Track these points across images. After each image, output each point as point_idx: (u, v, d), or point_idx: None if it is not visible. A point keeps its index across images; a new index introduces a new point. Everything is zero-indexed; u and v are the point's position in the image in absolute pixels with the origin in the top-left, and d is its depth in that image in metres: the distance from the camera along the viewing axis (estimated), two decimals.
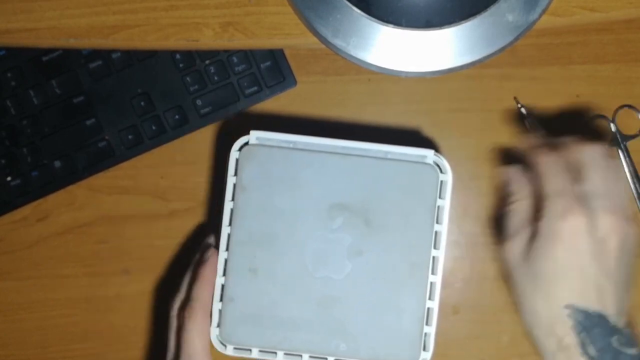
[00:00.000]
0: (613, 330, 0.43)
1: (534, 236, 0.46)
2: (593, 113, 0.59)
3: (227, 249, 0.50)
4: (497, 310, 0.60)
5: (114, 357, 0.61)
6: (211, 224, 0.60)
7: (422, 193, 0.49)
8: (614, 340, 0.43)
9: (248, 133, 0.50)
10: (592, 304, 0.44)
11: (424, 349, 0.49)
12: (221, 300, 0.50)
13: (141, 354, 0.60)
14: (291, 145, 0.50)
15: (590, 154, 0.47)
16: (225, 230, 0.50)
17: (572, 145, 0.48)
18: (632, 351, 0.43)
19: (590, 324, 0.43)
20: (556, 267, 0.45)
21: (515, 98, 0.56)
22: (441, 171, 0.49)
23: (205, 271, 0.49)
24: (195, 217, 0.60)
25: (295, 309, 0.49)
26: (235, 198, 0.50)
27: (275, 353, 0.49)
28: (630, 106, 0.59)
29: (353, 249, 0.49)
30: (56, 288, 0.61)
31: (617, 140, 0.59)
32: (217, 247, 0.51)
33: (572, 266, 0.44)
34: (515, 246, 0.47)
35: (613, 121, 0.59)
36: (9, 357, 0.60)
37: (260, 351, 0.49)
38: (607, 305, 0.44)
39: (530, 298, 0.46)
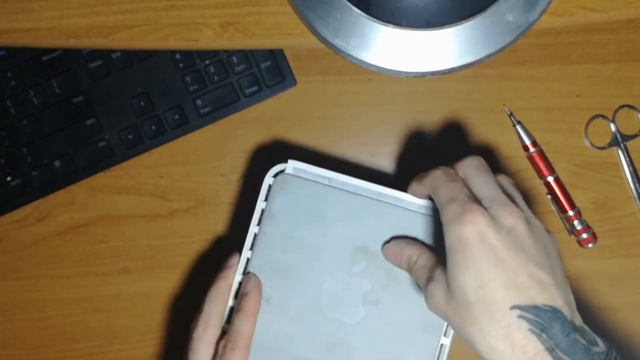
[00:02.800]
0: (573, 326, 0.40)
1: (443, 272, 0.43)
2: (593, 113, 0.60)
3: (243, 273, 0.50)
4: None
5: (114, 356, 0.61)
6: (211, 226, 0.60)
7: None
8: (579, 337, 0.40)
9: (285, 161, 0.51)
10: (535, 296, 0.40)
11: None
12: (228, 322, 0.49)
13: (142, 354, 0.60)
14: (326, 182, 0.50)
15: (468, 164, 0.46)
16: (245, 254, 0.50)
17: (454, 166, 0.47)
18: (599, 349, 0.40)
19: (546, 320, 0.39)
20: (479, 274, 0.40)
21: (505, 107, 0.56)
22: None
23: (250, 304, 0.49)
24: (195, 217, 0.60)
25: (302, 346, 0.49)
26: (262, 224, 0.50)
27: None
28: (630, 106, 0.59)
29: (370, 296, 0.49)
30: (56, 288, 0.61)
31: (617, 140, 0.59)
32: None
33: (493, 265, 0.40)
34: (435, 294, 0.43)
35: (613, 121, 0.59)
36: (9, 356, 0.61)
37: None
38: (553, 296, 0.40)
39: (477, 327, 0.40)
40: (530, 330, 0.39)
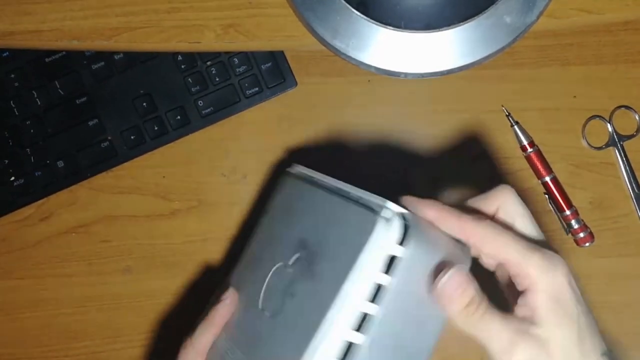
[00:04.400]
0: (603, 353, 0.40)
1: (523, 324, 0.39)
2: (590, 113, 0.60)
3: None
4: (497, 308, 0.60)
5: (115, 355, 0.61)
6: (212, 226, 0.61)
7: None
8: None
9: (291, 164, 0.51)
10: (600, 344, 0.40)
11: None
12: None
13: (143, 352, 0.61)
14: (317, 184, 0.46)
15: (509, 195, 0.42)
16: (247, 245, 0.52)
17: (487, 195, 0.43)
18: None
19: None
20: (578, 327, 0.39)
21: (503, 108, 0.57)
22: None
23: (216, 313, 0.48)
24: (197, 216, 0.61)
25: (238, 331, 0.48)
26: (258, 219, 0.51)
27: None
28: (627, 107, 0.60)
29: (290, 289, 0.43)
30: (58, 287, 0.61)
31: (614, 140, 0.60)
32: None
33: (586, 317, 0.39)
34: (523, 346, 0.38)
35: (610, 121, 0.60)
36: (13, 355, 0.61)
37: None
38: (600, 339, 0.40)
39: None
40: None
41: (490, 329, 0.39)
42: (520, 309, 0.40)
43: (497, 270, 0.44)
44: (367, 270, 0.38)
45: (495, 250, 0.40)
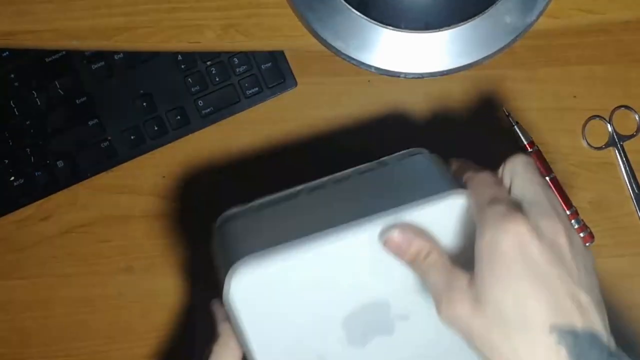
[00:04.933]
0: (609, 353, 0.37)
1: (465, 278, 0.39)
2: (590, 113, 0.60)
3: None
4: None
5: (116, 355, 0.61)
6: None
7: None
8: None
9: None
10: (575, 320, 0.37)
11: None
12: None
13: (144, 352, 0.61)
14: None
15: (518, 161, 0.43)
16: None
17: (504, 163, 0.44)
18: None
19: (585, 346, 0.36)
20: (518, 289, 0.37)
21: (504, 108, 0.57)
22: None
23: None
24: (197, 216, 0.61)
25: None
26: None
27: None
28: (627, 107, 0.60)
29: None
30: (59, 287, 0.61)
31: (614, 141, 0.60)
32: None
33: (533, 280, 0.37)
34: (458, 303, 0.38)
35: (610, 122, 0.60)
36: (13, 355, 0.61)
37: None
38: (592, 319, 0.37)
39: (509, 345, 0.37)
40: (567, 356, 0.36)
41: (434, 280, 0.40)
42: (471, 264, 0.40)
43: None
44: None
45: (474, 197, 0.42)
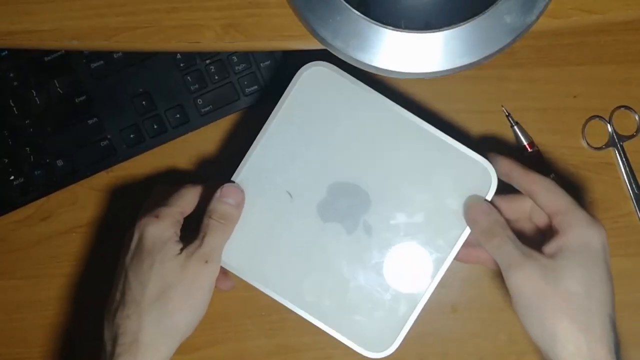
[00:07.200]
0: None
1: (543, 257, 0.45)
2: (590, 114, 0.60)
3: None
4: (496, 309, 0.60)
5: None
6: None
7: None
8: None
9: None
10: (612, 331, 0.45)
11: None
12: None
13: None
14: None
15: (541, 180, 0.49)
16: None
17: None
18: None
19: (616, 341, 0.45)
20: (594, 282, 0.45)
21: (503, 108, 0.57)
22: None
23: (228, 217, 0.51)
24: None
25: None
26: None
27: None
28: (626, 107, 0.60)
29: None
30: (58, 287, 0.61)
31: (614, 141, 0.60)
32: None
33: (606, 280, 0.45)
34: (535, 273, 0.45)
35: (610, 122, 0.60)
36: (13, 355, 0.61)
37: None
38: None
39: (565, 321, 0.44)
40: (610, 349, 0.44)
41: (505, 250, 0.46)
42: (546, 247, 0.46)
43: (533, 215, 0.50)
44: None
45: (550, 199, 0.47)
